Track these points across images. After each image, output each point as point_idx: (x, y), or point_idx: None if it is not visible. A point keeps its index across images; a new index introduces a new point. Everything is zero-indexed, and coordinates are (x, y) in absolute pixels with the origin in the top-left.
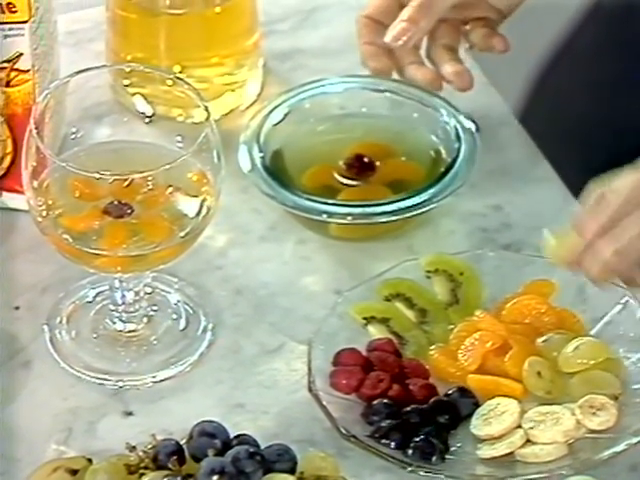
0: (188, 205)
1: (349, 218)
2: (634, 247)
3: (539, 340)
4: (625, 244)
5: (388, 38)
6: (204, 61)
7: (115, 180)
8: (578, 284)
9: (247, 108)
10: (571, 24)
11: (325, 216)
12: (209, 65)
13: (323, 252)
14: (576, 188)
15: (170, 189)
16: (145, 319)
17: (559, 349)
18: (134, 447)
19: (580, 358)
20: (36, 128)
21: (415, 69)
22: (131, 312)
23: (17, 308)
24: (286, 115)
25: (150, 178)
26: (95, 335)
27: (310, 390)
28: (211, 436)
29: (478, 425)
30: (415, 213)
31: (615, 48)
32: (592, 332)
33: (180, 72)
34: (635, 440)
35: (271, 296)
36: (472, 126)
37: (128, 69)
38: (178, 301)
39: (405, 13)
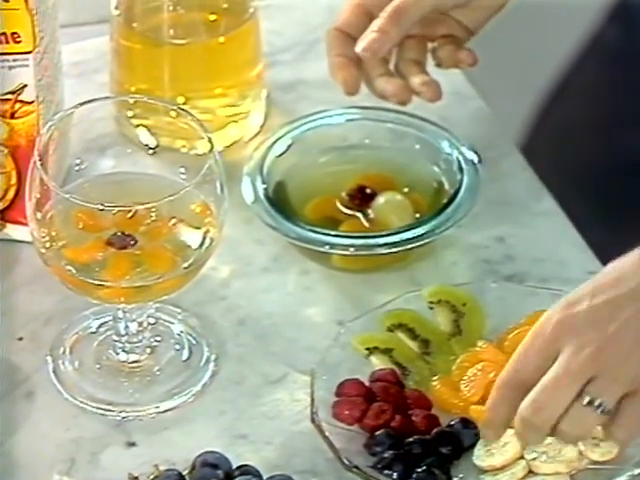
0: (191, 236)
1: (352, 249)
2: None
3: None
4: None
5: (359, 48)
6: (208, 92)
7: (119, 211)
8: None
9: (250, 139)
10: (574, 56)
11: (328, 247)
12: (213, 96)
13: (326, 283)
14: (578, 220)
15: (173, 220)
16: (148, 350)
17: None
18: (137, 478)
19: None
20: (40, 160)
21: (384, 81)
22: (134, 343)
23: (20, 339)
24: (289, 147)
25: (153, 209)
26: (98, 366)
27: (313, 421)
28: (214, 467)
29: (480, 456)
30: (418, 244)
31: (618, 82)
32: None
33: (184, 103)
34: (637, 471)
35: (274, 326)
36: (474, 157)
37: (132, 100)
38: (181, 332)
39: (375, 24)
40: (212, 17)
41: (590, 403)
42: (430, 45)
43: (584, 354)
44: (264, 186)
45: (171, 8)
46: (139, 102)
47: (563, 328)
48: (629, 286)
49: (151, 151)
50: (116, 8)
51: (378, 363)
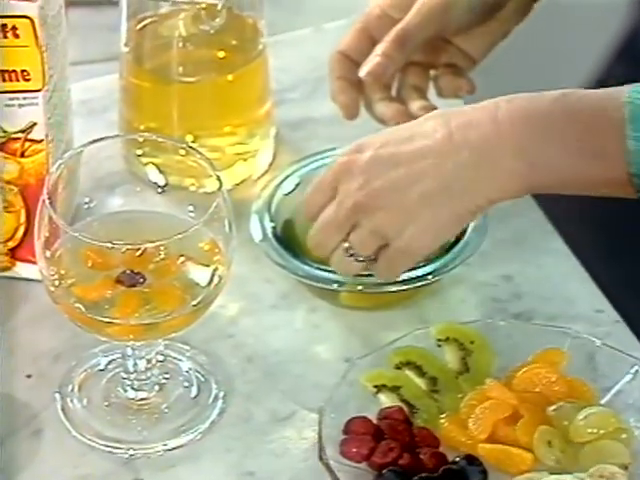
0: (200, 274)
1: (360, 287)
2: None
3: (549, 409)
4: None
5: (362, 72)
6: (216, 130)
7: (128, 250)
8: (588, 353)
9: (259, 178)
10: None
11: (336, 285)
12: (221, 134)
13: (334, 320)
14: (585, 258)
15: (182, 258)
16: (157, 387)
17: (569, 418)
18: None
19: (590, 427)
20: (49, 198)
21: (384, 105)
22: (143, 380)
23: (29, 376)
24: (297, 185)
25: (162, 247)
26: (107, 403)
27: (321, 458)
28: None
29: None
30: (426, 282)
31: None
32: (602, 401)
33: (193, 141)
34: None
35: (282, 364)
36: None
37: (141, 139)
38: (190, 369)
39: (379, 48)
40: (221, 54)
41: (350, 252)
42: (432, 73)
43: (349, 202)
44: (272, 224)
45: (180, 45)
46: (148, 140)
47: (342, 170)
48: (415, 145)
49: (160, 189)
50: (126, 45)
51: (386, 401)
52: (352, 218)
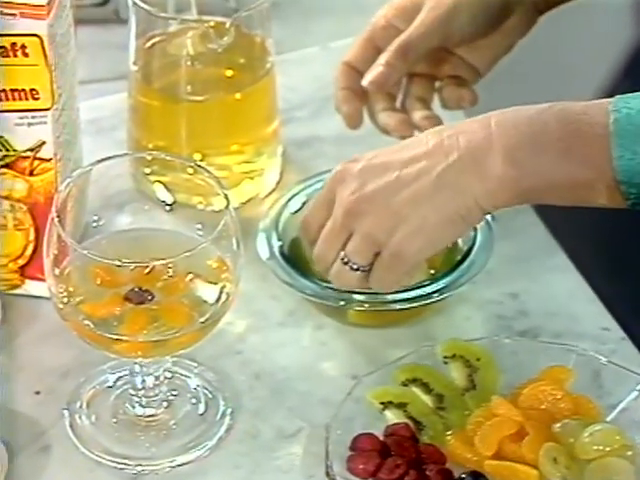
0: (208, 291)
1: (366, 305)
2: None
3: (555, 426)
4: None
5: (365, 81)
6: (224, 149)
7: (136, 267)
8: (594, 370)
9: (266, 196)
10: None
11: (343, 303)
12: (229, 153)
13: (340, 338)
14: (590, 275)
15: (190, 276)
16: (165, 404)
17: (575, 435)
18: None
19: (596, 444)
20: (58, 217)
21: (387, 115)
22: (151, 397)
23: (38, 393)
24: (304, 204)
25: (170, 265)
26: (115, 420)
27: (327, 475)
28: None
29: None
30: (432, 300)
31: None
32: (608, 418)
33: (201, 160)
34: None
35: (289, 381)
36: (488, 215)
37: (149, 157)
38: (197, 386)
39: (382, 58)
40: (229, 73)
41: (345, 261)
42: (437, 85)
43: (342, 209)
44: (279, 243)
45: (189, 63)
46: (156, 159)
47: (337, 179)
48: (407, 154)
49: (168, 207)
50: (134, 63)
51: (392, 417)
52: (346, 225)
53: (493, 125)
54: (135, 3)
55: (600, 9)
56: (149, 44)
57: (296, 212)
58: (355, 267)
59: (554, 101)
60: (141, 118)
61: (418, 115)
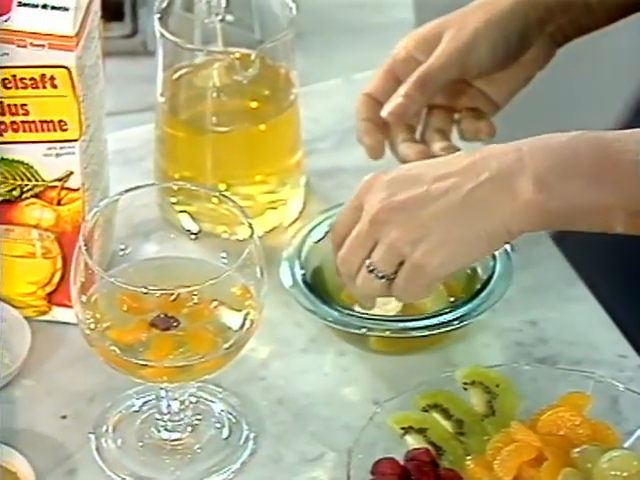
0: (232, 318)
1: (387, 332)
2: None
3: (573, 451)
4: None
5: (384, 112)
6: (248, 179)
7: (162, 294)
8: (612, 397)
9: (289, 225)
10: None
11: (364, 330)
12: (253, 183)
13: (362, 364)
14: (608, 303)
15: (215, 303)
16: (189, 428)
17: (593, 461)
18: None
19: (614, 470)
20: (85, 245)
21: (407, 146)
22: (176, 421)
23: (64, 417)
24: (326, 233)
25: (196, 292)
26: (140, 444)
27: None
28: None
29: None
30: (452, 328)
31: None
32: (626, 444)
33: (225, 190)
34: None
35: (311, 406)
36: (507, 246)
37: (175, 187)
38: (222, 410)
39: (401, 89)
40: (254, 104)
41: (370, 269)
42: (456, 117)
43: (369, 216)
44: (302, 271)
45: (214, 95)
46: (182, 189)
47: (366, 188)
48: (439, 171)
49: (193, 236)
50: (161, 95)
51: (413, 442)
52: (373, 233)
53: (525, 149)
54: (163, 35)
55: (616, 40)
56: (176, 76)
57: (318, 241)
58: (380, 275)
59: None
60: (167, 149)
61: (437, 146)
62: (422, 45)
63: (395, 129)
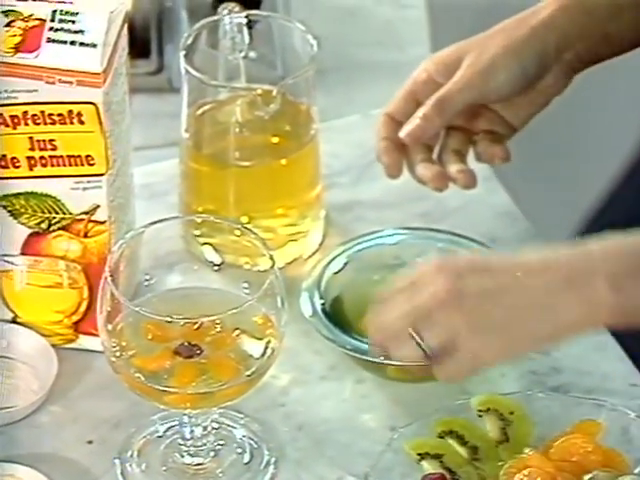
0: (254, 347)
1: (404, 361)
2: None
3: (585, 477)
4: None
5: (402, 133)
6: (270, 212)
7: (186, 323)
8: (623, 425)
9: (309, 257)
10: (612, 187)
11: (382, 358)
12: (274, 216)
13: (380, 391)
14: (620, 337)
15: (237, 332)
16: (212, 453)
17: None
18: None
19: None
20: (111, 276)
21: (424, 167)
22: (199, 446)
23: (90, 442)
24: (345, 264)
25: (218, 321)
26: (164, 468)
27: None
28: None
29: None
30: None
31: None
32: (636, 470)
33: (247, 223)
34: None
35: (330, 432)
36: None
37: (199, 220)
38: (243, 436)
39: (420, 111)
40: (275, 140)
41: (413, 337)
42: (472, 137)
43: (432, 294)
44: (322, 301)
45: (237, 130)
46: (205, 222)
47: (434, 270)
48: (509, 260)
49: (216, 267)
50: (186, 131)
51: (429, 468)
52: (430, 308)
53: (596, 252)
54: (187, 71)
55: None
56: (200, 112)
57: (337, 272)
58: (422, 346)
59: (584, 158)
60: (191, 183)
61: (454, 168)
62: (442, 68)
63: (413, 149)
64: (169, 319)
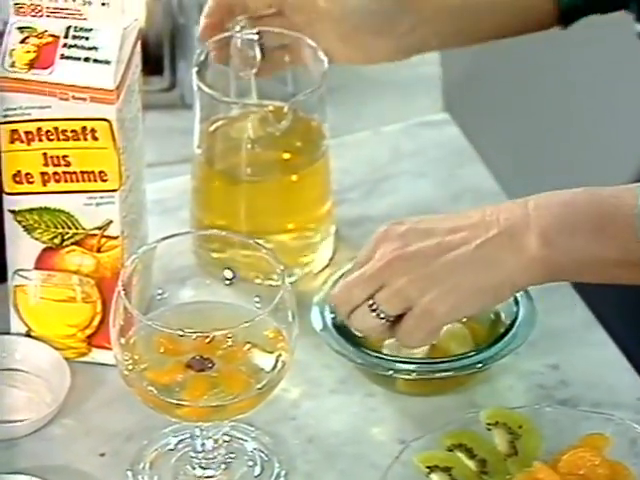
0: (265, 360)
1: (414, 374)
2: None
3: None
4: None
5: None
6: (281, 227)
7: (198, 337)
8: (631, 438)
9: (320, 272)
10: None
11: (391, 372)
12: (286, 231)
13: (389, 404)
14: (628, 351)
15: (248, 345)
16: (223, 466)
17: None
18: None
19: None
20: (124, 290)
21: None
22: (210, 459)
23: (103, 454)
24: None
25: (230, 335)
26: None
27: None
28: None
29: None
30: (476, 370)
31: None
32: None
33: (258, 238)
34: None
35: (341, 445)
36: (523, 294)
37: (211, 235)
38: (254, 449)
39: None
40: (286, 156)
41: (372, 308)
42: None
43: (380, 263)
44: (332, 315)
45: (249, 147)
46: (217, 237)
47: (381, 237)
48: (451, 224)
49: (228, 282)
50: (198, 147)
51: None
52: (380, 277)
53: (531, 207)
54: (200, 88)
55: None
56: (212, 128)
57: None
58: (382, 316)
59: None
60: (203, 198)
61: None
62: None
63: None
64: (181, 333)
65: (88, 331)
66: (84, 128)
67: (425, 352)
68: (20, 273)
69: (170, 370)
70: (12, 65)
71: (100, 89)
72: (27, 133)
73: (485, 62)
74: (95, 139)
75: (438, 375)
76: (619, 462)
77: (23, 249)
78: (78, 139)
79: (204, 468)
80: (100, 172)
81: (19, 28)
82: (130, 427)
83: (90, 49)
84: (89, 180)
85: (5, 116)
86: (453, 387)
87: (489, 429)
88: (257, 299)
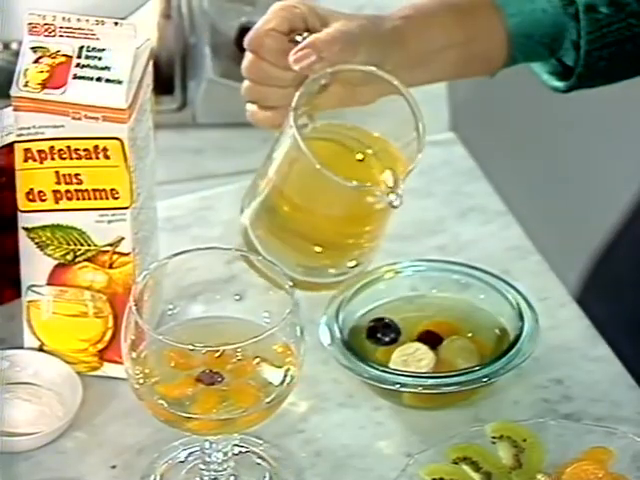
0: (273, 374)
1: (420, 388)
2: None
3: None
4: None
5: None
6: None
7: (208, 351)
8: (634, 452)
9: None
10: (623, 219)
11: (398, 386)
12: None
13: (396, 418)
14: (631, 366)
15: (257, 360)
16: (232, 478)
17: None
18: None
19: None
20: (135, 305)
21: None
22: (219, 471)
23: (114, 467)
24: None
25: (239, 350)
26: None
27: None
28: None
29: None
30: (481, 385)
31: None
32: None
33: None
34: None
35: (348, 458)
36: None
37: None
38: (263, 461)
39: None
40: None
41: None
42: None
43: None
44: (340, 330)
45: None
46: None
47: None
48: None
49: (237, 297)
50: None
51: None
52: None
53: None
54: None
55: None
56: None
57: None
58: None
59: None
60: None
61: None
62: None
63: None
64: (191, 347)
65: (100, 345)
66: (96, 147)
67: (431, 367)
68: (33, 289)
69: (180, 384)
70: (25, 85)
71: (112, 108)
72: (40, 152)
73: (491, 81)
74: (107, 157)
75: (444, 389)
76: (622, 475)
77: (36, 265)
78: (90, 157)
79: None
80: (112, 190)
81: (32, 48)
82: (141, 440)
83: (102, 69)
84: (101, 198)
85: (19, 135)
86: (459, 401)
87: (494, 442)
88: (266, 314)
